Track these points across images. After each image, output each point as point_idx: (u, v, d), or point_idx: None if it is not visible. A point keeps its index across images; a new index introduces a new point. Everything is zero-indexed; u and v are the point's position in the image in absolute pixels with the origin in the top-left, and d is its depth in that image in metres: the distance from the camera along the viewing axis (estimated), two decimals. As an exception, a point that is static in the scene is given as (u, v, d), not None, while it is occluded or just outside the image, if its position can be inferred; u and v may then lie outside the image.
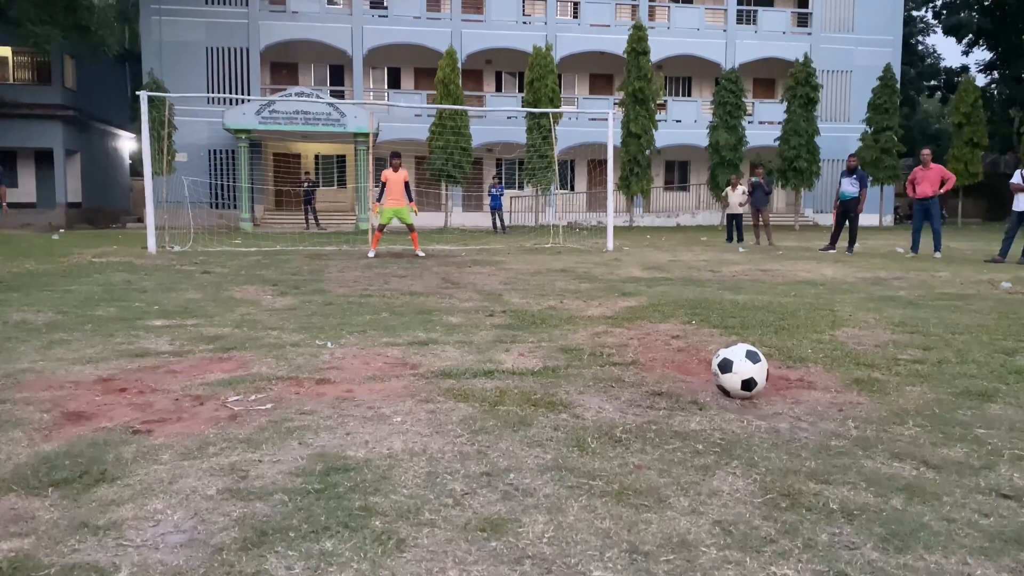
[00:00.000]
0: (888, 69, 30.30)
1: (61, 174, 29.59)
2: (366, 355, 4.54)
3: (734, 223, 18.60)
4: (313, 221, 26.21)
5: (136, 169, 37.20)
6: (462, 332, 5.37)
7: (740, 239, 18.35)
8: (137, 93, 14.07)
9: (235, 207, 27.48)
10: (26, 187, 30.36)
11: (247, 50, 29.71)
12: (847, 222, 14.73)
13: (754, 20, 33.58)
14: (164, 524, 2.12)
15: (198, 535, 2.05)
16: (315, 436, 2.91)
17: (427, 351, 4.66)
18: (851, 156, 15.09)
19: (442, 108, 25.02)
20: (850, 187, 14.50)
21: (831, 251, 14.72)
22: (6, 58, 30.29)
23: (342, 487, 2.37)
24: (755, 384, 3.41)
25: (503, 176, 32.51)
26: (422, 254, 13.39)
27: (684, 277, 9.72)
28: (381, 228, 13.40)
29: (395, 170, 12.92)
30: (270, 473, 2.51)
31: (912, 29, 44.28)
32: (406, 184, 13.07)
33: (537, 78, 27.20)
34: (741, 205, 18.44)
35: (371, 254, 13.14)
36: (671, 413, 3.25)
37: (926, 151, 13.74)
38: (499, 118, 30.89)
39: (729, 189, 19.25)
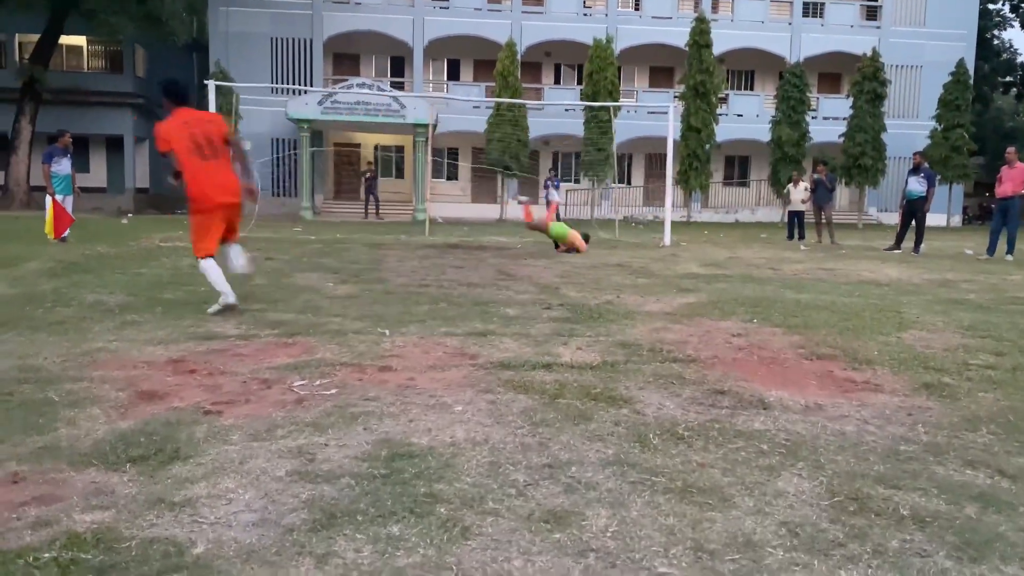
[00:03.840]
0: (961, 64, 29.30)
1: (130, 160, 30.52)
2: (426, 344, 4.59)
3: (795, 220, 18.37)
4: (373, 211, 26.56)
5: (201, 157, 38.14)
6: (519, 324, 5.39)
7: (802, 237, 18.07)
8: (205, 82, 14.42)
9: (296, 195, 27.98)
10: (97, 172, 31.41)
11: (310, 41, 30.20)
12: (913, 222, 14.34)
13: (820, 13, 32.80)
14: (236, 503, 2.19)
15: (269, 515, 2.10)
16: (379, 422, 2.95)
17: (485, 342, 4.69)
18: (916, 154, 14.68)
19: (500, 101, 25.06)
20: (917, 185, 14.11)
21: (896, 251, 14.33)
22: (81, 47, 31.33)
23: (407, 473, 2.41)
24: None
25: (559, 168, 32.43)
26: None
27: (743, 274, 9.58)
28: (532, 227, 13.18)
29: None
30: (336, 457, 2.56)
31: (987, 23, 42.65)
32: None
33: (597, 70, 27.06)
34: (803, 202, 18.19)
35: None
36: (734, 412, 3.22)
37: (1011, 149, 13.22)
38: (557, 110, 30.82)
39: (791, 186, 19.05)
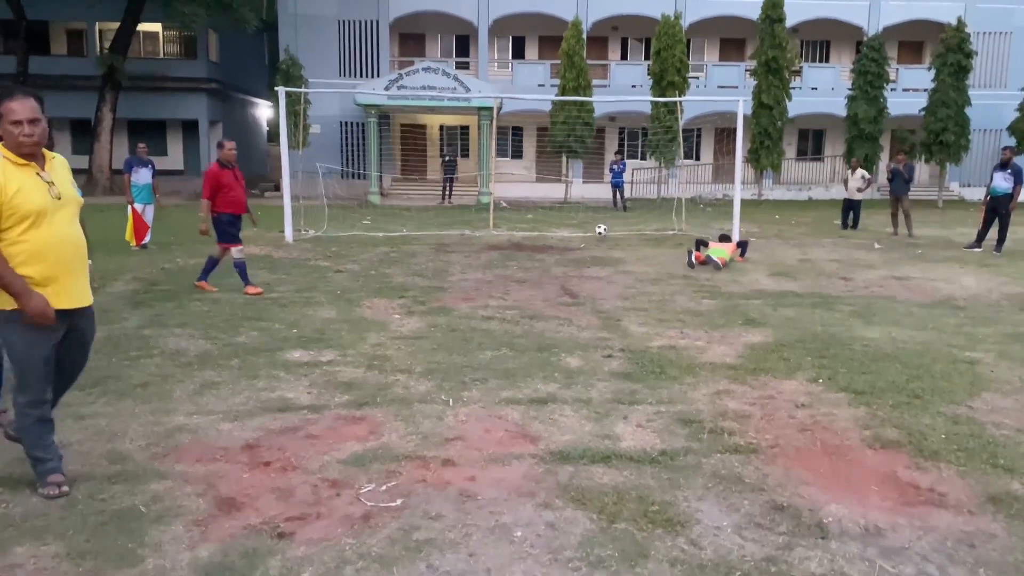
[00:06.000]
0: (1055, 30, 27.68)
1: (206, 143, 31.37)
2: (487, 419, 4.72)
3: (851, 210, 18.53)
4: (448, 194, 26.79)
5: (272, 136, 38.98)
6: (580, 383, 5.46)
7: (855, 226, 18.19)
8: (275, 88, 14.71)
9: (364, 177, 28.40)
10: (174, 156, 32.44)
11: (376, 23, 30.32)
12: (996, 219, 13.77)
13: (902, -22, 31.28)
14: None
15: None
16: (441, 556, 3.07)
17: (545, 415, 4.78)
18: (1006, 149, 14.04)
19: (565, 97, 25.07)
20: (1003, 182, 13.54)
21: (977, 250, 13.82)
22: (156, 33, 32.17)
23: (466, 643, 2.52)
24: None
25: (625, 144, 32.01)
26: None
27: (813, 292, 9.41)
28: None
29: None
30: (400, 613, 2.70)
31: (1087, -21, 39.97)
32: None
33: (664, 48, 26.49)
34: (859, 191, 18.23)
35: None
36: (791, 541, 3.22)
37: None
38: (623, 86, 30.38)
39: (849, 173, 19.05)
